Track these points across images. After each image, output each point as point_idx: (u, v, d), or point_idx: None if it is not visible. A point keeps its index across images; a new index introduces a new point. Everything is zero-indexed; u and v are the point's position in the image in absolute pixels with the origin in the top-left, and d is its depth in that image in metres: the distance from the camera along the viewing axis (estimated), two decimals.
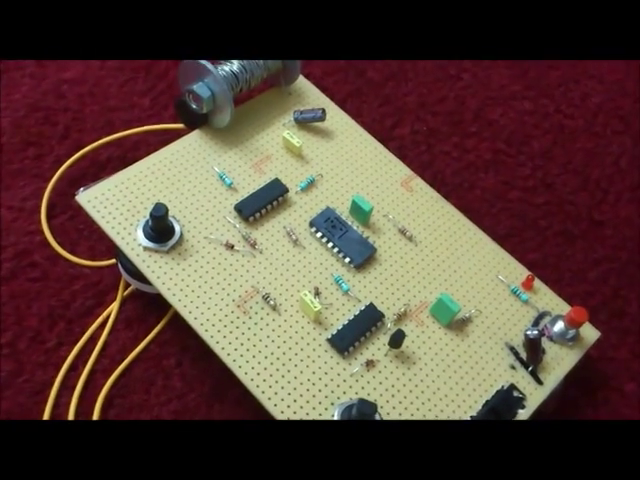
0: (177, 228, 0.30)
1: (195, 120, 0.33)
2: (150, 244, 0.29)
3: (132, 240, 0.29)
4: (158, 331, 0.31)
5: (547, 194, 0.38)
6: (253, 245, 0.30)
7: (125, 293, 0.32)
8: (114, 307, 0.32)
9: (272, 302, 0.29)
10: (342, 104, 0.39)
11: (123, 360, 0.30)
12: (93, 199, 0.30)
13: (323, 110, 0.34)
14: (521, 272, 0.32)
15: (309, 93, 0.36)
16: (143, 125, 0.37)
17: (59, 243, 0.33)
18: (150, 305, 0.32)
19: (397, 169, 0.34)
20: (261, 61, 0.33)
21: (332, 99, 0.37)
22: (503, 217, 0.37)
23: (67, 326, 0.31)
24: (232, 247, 0.30)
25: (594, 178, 0.38)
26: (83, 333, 0.31)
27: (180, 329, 0.29)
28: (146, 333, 0.31)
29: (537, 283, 0.32)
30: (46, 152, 0.35)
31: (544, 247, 0.36)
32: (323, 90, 0.37)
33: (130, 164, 0.33)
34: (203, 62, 0.31)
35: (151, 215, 0.28)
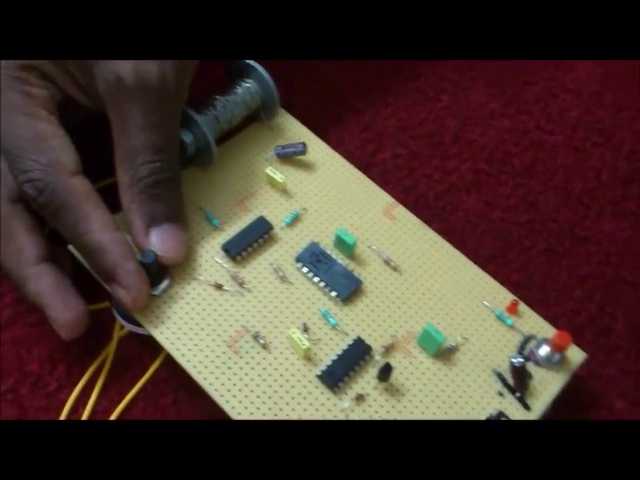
0: (167, 272, 0.31)
1: (181, 162, 0.34)
2: None
3: None
4: (154, 370, 0.32)
5: (529, 212, 0.38)
6: (241, 284, 0.31)
7: (121, 334, 0.33)
8: (111, 349, 0.33)
9: (262, 341, 0.30)
10: (324, 133, 0.39)
11: (121, 401, 0.31)
12: None
13: (304, 144, 0.35)
14: (505, 296, 0.33)
15: (290, 126, 0.37)
16: None
17: None
18: (145, 345, 0.32)
19: (379, 198, 0.35)
20: (240, 99, 0.34)
21: (314, 129, 0.38)
22: (486, 238, 0.37)
23: (67, 369, 0.32)
24: (221, 287, 0.31)
25: (576, 193, 0.39)
26: (82, 376, 0.32)
27: (175, 367, 0.30)
28: (142, 373, 0.32)
29: (522, 306, 0.33)
30: None
31: (528, 267, 0.37)
32: (305, 120, 0.38)
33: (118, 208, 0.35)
34: (185, 109, 0.32)
35: (141, 263, 0.29)
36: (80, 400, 0.31)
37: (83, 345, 0.33)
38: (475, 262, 0.34)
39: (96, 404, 0.31)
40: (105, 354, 0.32)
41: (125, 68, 0.29)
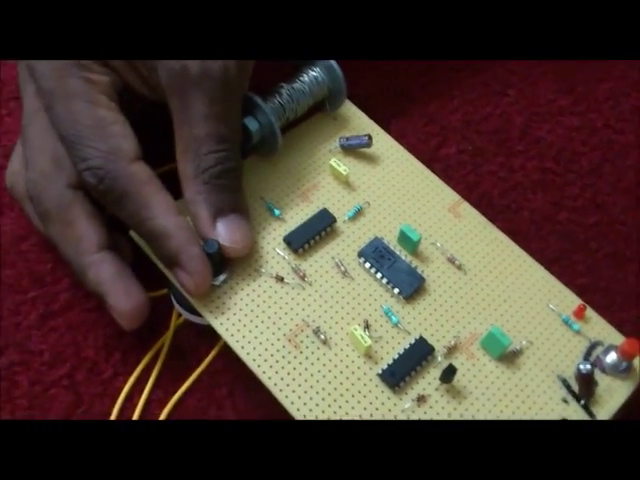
0: (228, 262, 0.30)
1: (243, 150, 0.33)
2: None
3: None
4: (209, 361, 0.32)
5: (597, 214, 0.37)
6: (303, 277, 0.31)
7: (178, 323, 0.33)
8: (167, 337, 0.32)
9: (322, 336, 0.29)
10: (386, 125, 0.38)
11: (176, 391, 0.31)
12: None
13: (369, 136, 0.34)
14: (572, 300, 0.32)
15: (354, 117, 0.36)
16: None
17: None
18: (201, 334, 0.32)
19: (444, 194, 0.34)
20: (307, 89, 0.34)
21: (377, 120, 0.37)
22: (552, 240, 0.36)
23: (123, 357, 0.32)
24: (282, 280, 0.30)
25: None
26: (138, 363, 0.32)
27: (231, 359, 0.29)
28: (198, 363, 0.32)
29: (589, 311, 0.32)
30: None
31: (594, 270, 0.35)
32: (367, 111, 0.37)
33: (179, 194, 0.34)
34: (250, 95, 0.32)
35: (204, 251, 0.29)
36: (135, 388, 0.31)
37: (139, 333, 0.32)
38: (540, 263, 0.33)
39: (151, 393, 0.31)
40: (161, 342, 0.32)
41: None
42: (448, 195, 0.34)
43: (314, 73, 0.34)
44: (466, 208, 0.34)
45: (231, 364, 0.32)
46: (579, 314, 0.32)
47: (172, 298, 0.31)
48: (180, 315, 0.32)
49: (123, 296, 0.30)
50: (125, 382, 0.31)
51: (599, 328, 0.32)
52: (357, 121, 0.36)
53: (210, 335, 0.30)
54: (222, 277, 0.30)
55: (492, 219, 0.35)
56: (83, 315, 0.33)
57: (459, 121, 0.40)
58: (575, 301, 0.32)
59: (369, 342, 0.29)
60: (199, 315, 0.30)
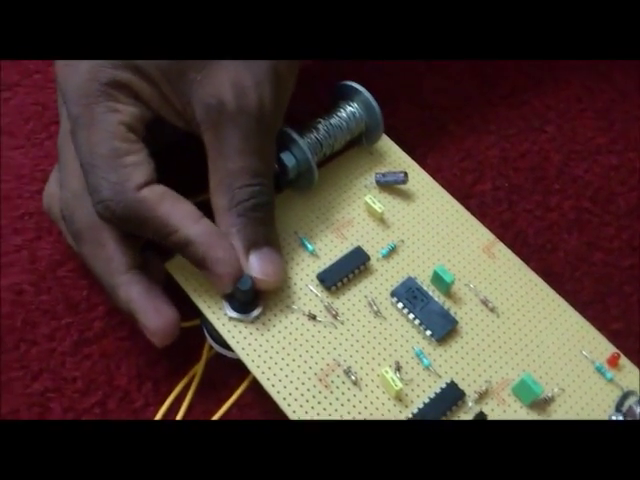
0: (261, 297, 0.30)
1: (280, 184, 0.33)
2: (235, 314, 0.30)
3: (218, 309, 0.30)
4: (240, 394, 0.32)
5: (633, 256, 0.37)
6: (335, 316, 0.31)
7: (209, 354, 0.33)
8: (199, 368, 0.33)
9: (353, 377, 0.29)
10: (423, 159, 0.38)
11: None
12: (182, 267, 0.31)
13: (405, 173, 0.34)
14: (606, 347, 0.32)
15: (390, 152, 0.36)
16: None
17: None
18: (233, 367, 0.32)
19: (479, 233, 0.34)
20: (345, 124, 0.34)
21: (413, 153, 0.37)
22: (586, 282, 0.36)
23: (154, 386, 0.32)
24: (314, 317, 0.30)
25: None
26: (169, 394, 0.32)
27: (261, 392, 0.30)
28: (228, 395, 0.32)
29: (623, 359, 0.31)
30: None
31: (629, 315, 0.35)
32: (403, 144, 0.37)
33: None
34: (288, 131, 0.32)
35: (237, 288, 0.29)
36: (167, 418, 0.32)
37: (171, 363, 0.33)
38: (573, 306, 0.33)
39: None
40: (193, 373, 0.32)
41: (226, 92, 0.29)
42: (483, 235, 0.34)
43: (352, 109, 0.34)
44: (501, 249, 0.34)
45: (261, 398, 0.32)
46: (613, 362, 0.31)
47: (204, 330, 0.32)
48: (212, 347, 0.33)
49: (153, 314, 0.30)
50: (156, 412, 0.31)
51: (632, 377, 0.31)
52: (393, 156, 0.36)
53: (241, 368, 0.31)
54: (255, 313, 0.30)
55: (526, 258, 0.35)
56: (117, 343, 0.33)
57: (496, 157, 0.39)
58: (609, 348, 0.32)
59: (400, 385, 0.28)
60: (230, 349, 0.30)
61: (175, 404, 0.32)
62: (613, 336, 0.33)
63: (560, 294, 0.33)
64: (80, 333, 0.33)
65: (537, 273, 0.34)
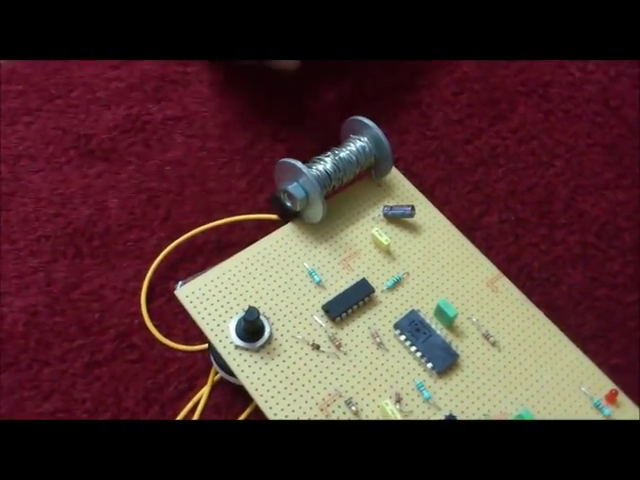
0: (267, 327, 0.31)
1: (288, 215, 0.34)
2: (241, 343, 0.31)
3: (225, 337, 0.31)
4: (244, 419, 0.33)
5: (637, 292, 0.37)
6: (338, 346, 0.31)
7: (215, 379, 0.34)
8: (204, 392, 0.33)
9: (354, 407, 0.30)
10: (431, 190, 0.39)
11: None
12: (190, 294, 0.32)
13: (412, 207, 0.35)
14: (605, 384, 0.32)
15: (399, 185, 0.37)
16: (239, 207, 0.39)
17: (156, 326, 0.34)
18: (238, 393, 0.33)
19: (483, 267, 0.35)
20: (354, 158, 0.34)
21: (421, 185, 0.37)
22: (589, 316, 0.36)
23: (161, 409, 0.33)
24: (318, 348, 0.31)
25: None
26: (175, 417, 0.33)
27: (264, 418, 0.30)
28: (233, 419, 0.33)
29: (621, 396, 0.32)
30: (148, 235, 0.37)
31: (631, 351, 0.36)
32: (413, 176, 0.38)
33: (224, 249, 0.36)
34: (298, 164, 0.33)
35: (244, 319, 0.30)
36: None
37: (178, 386, 0.34)
38: (575, 341, 0.34)
39: None
40: (199, 397, 0.33)
41: None
42: (487, 269, 0.35)
43: (362, 143, 0.35)
44: (504, 283, 0.35)
45: None
46: (611, 399, 0.32)
47: (211, 356, 0.33)
48: (218, 372, 0.33)
49: None
50: None
51: (630, 414, 0.32)
52: (402, 189, 0.37)
53: (246, 394, 0.31)
54: (261, 342, 0.31)
55: (530, 292, 0.35)
56: (126, 366, 0.34)
57: (503, 190, 0.40)
58: (608, 385, 0.32)
59: (399, 417, 0.29)
60: (235, 375, 0.31)
61: None
62: (613, 371, 0.34)
63: (562, 328, 0.34)
64: (91, 355, 0.34)
65: (540, 307, 0.35)
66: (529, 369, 0.32)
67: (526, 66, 0.44)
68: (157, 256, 0.36)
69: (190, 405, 0.33)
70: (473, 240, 0.36)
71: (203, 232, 0.37)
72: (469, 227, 0.38)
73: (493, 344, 0.33)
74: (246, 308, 0.30)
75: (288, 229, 0.34)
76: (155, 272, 0.36)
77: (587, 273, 0.38)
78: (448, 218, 0.36)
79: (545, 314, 0.34)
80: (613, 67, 0.44)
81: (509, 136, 0.42)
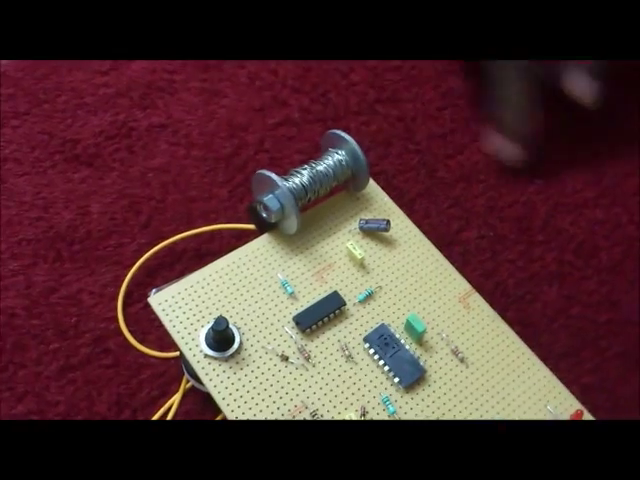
0: (237, 337, 0.31)
1: (265, 225, 0.35)
2: (210, 352, 0.31)
3: (195, 346, 0.31)
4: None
5: (611, 311, 0.37)
6: (307, 358, 0.32)
7: (187, 386, 0.34)
8: (176, 399, 0.34)
9: (319, 420, 0.30)
10: (411, 204, 0.40)
11: None
12: (163, 302, 0.32)
13: (388, 222, 0.35)
14: (571, 403, 0.32)
15: (377, 198, 0.37)
16: (220, 215, 0.39)
17: (132, 332, 0.35)
18: (209, 400, 0.33)
19: (456, 283, 0.35)
20: (331, 172, 0.35)
21: (402, 198, 0.38)
22: (562, 334, 0.37)
23: (132, 415, 0.34)
24: (287, 359, 0.32)
25: None
26: None
27: None
28: None
29: (586, 416, 0.32)
30: (128, 240, 0.38)
31: (602, 370, 0.36)
32: (394, 189, 0.39)
33: (203, 257, 0.36)
34: (273, 177, 0.33)
35: (212, 328, 0.30)
36: None
37: (150, 393, 0.34)
38: (547, 358, 0.34)
39: None
40: (170, 405, 0.34)
41: None
42: (460, 285, 0.35)
43: (339, 157, 0.35)
44: (476, 299, 0.35)
45: None
46: (576, 419, 0.32)
47: (182, 364, 0.33)
48: (189, 380, 0.34)
49: None
50: None
51: None
52: (379, 202, 0.37)
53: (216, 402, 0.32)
54: (230, 352, 0.31)
55: (504, 308, 0.36)
56: (100, 371, 0.34)
57: (483, 206, 0.40)
58: (574, 405, 0.32)
59: None
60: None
61: None
62: (584, 390, 0.34)
63: (535, 345, 0.34)
64: (66, 359, 0.35)
65: (514, 323, 0.35)
66: (496, 386, 0.32)
67: None
68: (136, 262, 0.36)
69: (161, 411, 0.34)
70: (450, 255, 0.36)
71: (183, 239, 0.37)
72: (447, 242, 0.38)
73: (462, 360, 0.33)
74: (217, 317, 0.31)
75: (264, 240, 0.35)
76: (133, 278, 0.36)
77: (562, 291, 0.38)
78: (427, 232, 0.37)
79: (518, 331, 0.34)
80: None
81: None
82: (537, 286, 0.38)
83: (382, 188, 0.37)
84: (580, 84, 0.41)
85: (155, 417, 0.33)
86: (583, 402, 0.33)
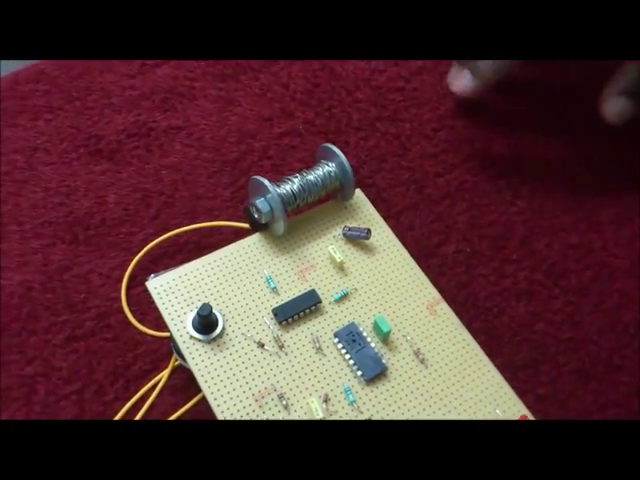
0: (220, 323, 0.35)
1: (257, 225, 0.38)
2: (196, 334, 0.35)
3: (182, 328, 0.35)
4: (195, 403, 0.37)
5: (573, 330, 0.40)
6: (281, 347, 0.35)
7: (175, 364, 0.38)
8: (165, 374, 0.38)
9: (284, 402, 0.34)
10: (398, 216, 0.43)
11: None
12: (158, 286, 0.36)
13: (369, 230, 0.39)
14: (519, 409, 0.35)
15: (363, 208, 0.40)
16: (222, 213, 0.43)
17: (132, 311, 0.39)
18: (193, 378, 0.37)
19: (427, 291, 0.38)
20: (320, 182, 0.38)
21: (389, 210, 0.41)
22: (524, 347, 0.40)
23: (125, 384, 0.38)
24: (263, 346, 0.35)
25: (624, 321, 0.40)
26: (136, 392, 0.37)
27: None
28: (186, 402, 0.37)
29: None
30: (137, 230, 0.42)
31: (557, 383, 0.38)
32: (383, 201, 0.42)
33: (203, 249, 0.40)
34: (265, 182, 0.37)
35: (198, 313, 0.34)
36: (130, 414, 0.37)
37: (143, 366, 0.38)
38: (507, 367, 0.37)
39: (142, 419, 0.37)
40: (159, 378, 0.38)
41: None
42: (430, 293, 0.38)
43: (329, 168, 0.39)
44: (443, 308, 0.38)
45: (210, 410, 0.37)
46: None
47: (171, 344, 0.37)
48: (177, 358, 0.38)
49: None
50: (122, 406, 0.37)
51: None
52: (365, 212, 0.40)
53: None
54: (212, 335, 0.35)
55: (473, 318, 0.39)
56: (101, 343, 0.39)
57: (464, 223, 0.43)
58: (521, 410, 0.35)
59: (321, 415, 0.33)
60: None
61: (139, 402, 0.37)
62: (538, 400, 0.37)
63: (497, 354, 0.37)
64: (72, 330, 0.39)
65: (480, 333, 0.38)
66: (451, 387, 0.36)
67: None
68: (142, 249, 0.40)
69: (151, 384, 0.38)
70: (428, 266, 0.40)
71: (186, 232, 0.41)
72: (427, 254, 0.42)
73: (422, 361, 0.36)
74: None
75: (255, 238, 0.38)
76: (138, 263, 0.40)
77: (529, 307, 0.41)
78: (409, 243, 0.40)
79: (483, 340, 0.37)
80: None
81: (479, 173, 0.45)
82: (506, 300, 0.41)
83: (372, 200, 0.41)
84: (616, 106, 0.44)
85: (145, 388, 0.37)
86: (536, 411, 0.35)
